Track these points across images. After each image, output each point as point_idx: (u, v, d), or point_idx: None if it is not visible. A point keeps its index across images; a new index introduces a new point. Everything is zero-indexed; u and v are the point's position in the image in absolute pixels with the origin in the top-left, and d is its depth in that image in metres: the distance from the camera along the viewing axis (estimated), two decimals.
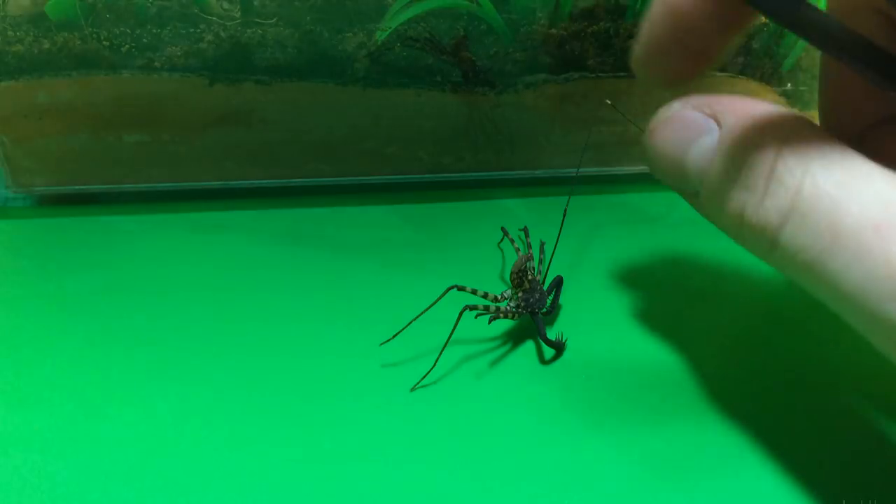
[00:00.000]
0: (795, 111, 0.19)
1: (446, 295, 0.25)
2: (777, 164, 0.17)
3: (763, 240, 0.18)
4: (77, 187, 0.34)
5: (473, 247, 0.29)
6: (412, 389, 0.24)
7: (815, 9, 0.17)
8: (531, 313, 0.25)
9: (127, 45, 0.30)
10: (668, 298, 0.28)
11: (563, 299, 0.28)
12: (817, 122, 0.21)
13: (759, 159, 0.18)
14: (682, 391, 0.24)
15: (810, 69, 0.34)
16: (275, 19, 0.30)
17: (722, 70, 0.33)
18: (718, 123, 0.19)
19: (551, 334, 0.26)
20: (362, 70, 0.32)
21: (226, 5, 0.30)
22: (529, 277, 0.25)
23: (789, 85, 0.34)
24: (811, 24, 0.17)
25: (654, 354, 0.25)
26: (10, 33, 0.30)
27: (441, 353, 0.24)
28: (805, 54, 0.34)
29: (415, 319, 0.25)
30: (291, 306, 0.28)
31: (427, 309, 0.25)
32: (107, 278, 0.29)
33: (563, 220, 0.27)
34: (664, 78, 0.22)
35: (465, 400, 0.23)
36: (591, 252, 0.31)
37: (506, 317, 0.25)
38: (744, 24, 0.21)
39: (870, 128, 0.22)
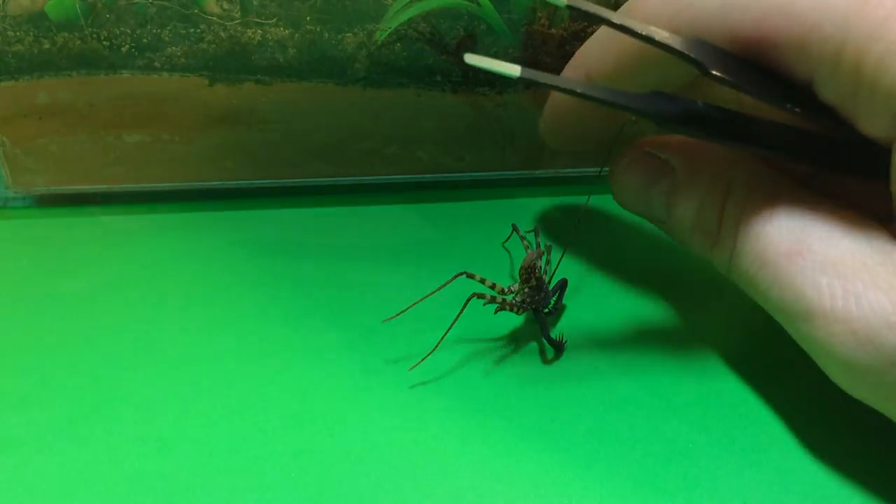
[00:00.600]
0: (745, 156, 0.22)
1: (453, 283, 0.25)
2: (723, 212, 0.21)
3: (721, 266, 0.22)
4: (77, 187, 0.34)
5: (474, 247, 0.29)
6: (410, 369, 0.25)
7: (704, 105, 0.19)
8: (535, 310, 0.25)
9: (127, 45, 0.30)
10: (672, 296, 0.28)
11: (568, 301, 0.28)
12: None
13: (709, 210, 0.21)
14: (691, 391, 0.24)
15: None
16: (275, 19, 0.30)
17: None
18: (671, 167, 0.23)
19: (554, 335, 0.26)
20: (362, 70, 0.32)
21: (226, 5, 0.30)
22: (537, 275, 0.25)
23: None
24: (701, 120, 0.19)
25: (656, 350, 0.25)
26: (10, 33, 0.30)
27: (444, 337, 0.25)
28: None
29: (420, 300, 0.25)
30: (291, 306, 0.28)
31: (434, 292, 0.25)
32: (107, 278, 0.29)
33: (577, 222, 0.28)
34: (563, 148, 0.29)
35: (468, 397, 0.23)
36: (593, 253, 0.31)
37: (511, 310, 0.25)
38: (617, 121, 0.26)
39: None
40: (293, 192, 0.35)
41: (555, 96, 0.27)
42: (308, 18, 0.30)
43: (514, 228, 0.29)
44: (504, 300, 0.26)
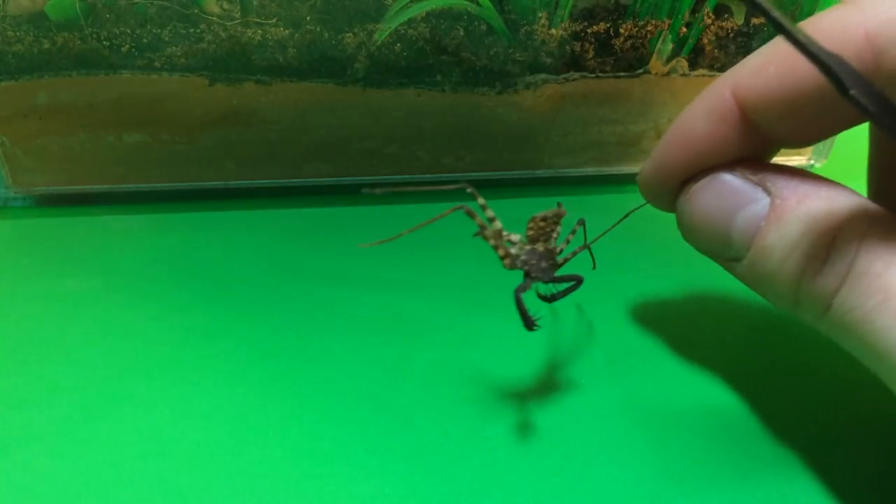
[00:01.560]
0: (839, 184, 0.19)
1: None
2: (836, 238, 0.18)
3: (818, 305, 0.18)
4: (77, 187, 0.34)
5: (474, 247, 0.29)
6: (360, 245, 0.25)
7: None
8: (526, 274, 0.22)
9: (127, 45, 0.30)
10: (674, 300, 0.28)
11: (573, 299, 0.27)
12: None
13: (819, 231, 0.18)
14: (683, 396, 0.24)
15: None
16: (275, 19, 0.30)
17: (722, 70, 0.33)
18: (767, 192, 0.19)
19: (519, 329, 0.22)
20: (362, 70, 0.32)
21: (226, 5, 0.30)
22: (549, 243, 0.23)
23: None
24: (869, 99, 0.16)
25: (652, 353, 0.25)
26: (10, 33, 0.30)
27: (413, 229, 0.22)
28: None
29: (410, 231, 0.23)
30: (292, 306, 0.28)
31: (430, 221, 0.22)
32: (107, 278, 0.29)
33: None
34: (667, 201, 0.22)
35: (468, 400, 0.23)
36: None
37: (501, 257, 0.22)
38: (763, 155, 0.21)
39: None
40: (293, 192, 0.35)
41: (682, 122, 0.21)
42: (308, 18, 0.30)
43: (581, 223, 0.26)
44: (499, 242, 0.22)
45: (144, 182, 0.34)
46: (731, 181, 0.20)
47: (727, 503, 0.20)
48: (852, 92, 0.16)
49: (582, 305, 0.28)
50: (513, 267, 0.23)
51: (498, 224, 0.22)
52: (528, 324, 0.22)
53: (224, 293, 0.29)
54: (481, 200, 0.22)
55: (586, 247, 0.24)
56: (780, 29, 0.16)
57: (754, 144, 0.20)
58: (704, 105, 0.20)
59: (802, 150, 0.36)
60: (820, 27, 0.18)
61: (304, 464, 0.21)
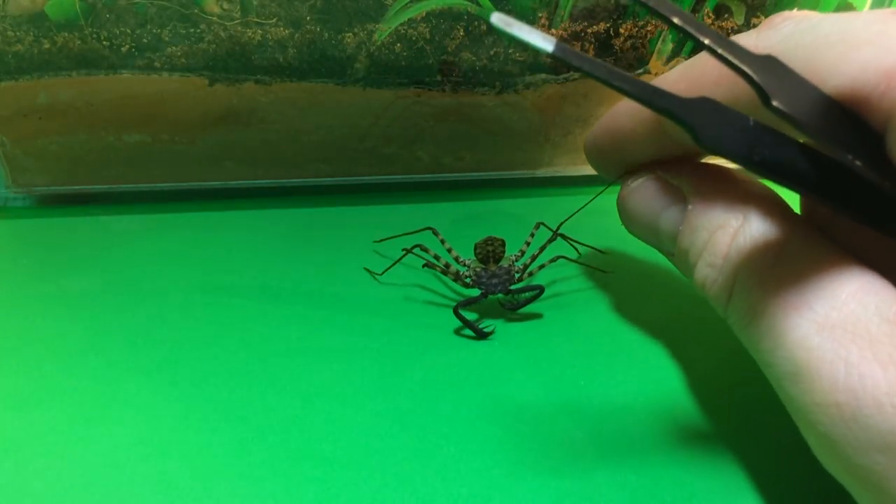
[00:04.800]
0: (751, 185, 0.21)
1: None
2: (727, 252, 0.19)
3: (719, 305, 0.20)
4: (77, 187, 0.34)
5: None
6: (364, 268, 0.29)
7: (765, 131, 0.17)
8: (483, 293, 0.27)
9: (127, 45, 0.30)
10: (666, 301, 0.28)
11: (564, 299, 0.28)
12: None
13: (717, 241, 0.20)
14: (673, 401, 0.24)
15: None
16: (275, 19, 0.30)
17: None
18: (683, 197, 0.21)
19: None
20: (362, 70, 0.32)
21: (226, 5, 0.30)
22: (504, 263, 0.27)
23: None
24: (761, 157, 0.17)
25: (642, 356, 0.25)
26: (10, 33, 0.30)
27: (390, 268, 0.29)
28: None
29: (397, 261, 0.29)
30: (292, 306, 0.28)
31: (399, 236, 0.30)
32: (107, 278, 0.29)
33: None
34: (605, 173, 0.26)
35: (468, 401, 0.24)
36: (596, 255, 0.31)
37: (454, 280, 0.28)
38: (681, 153, 0.23)
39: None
40: (293, 192, 0.35)
41: (613, 112, 0.24)
42: (308, 18, 0.30)
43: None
44: (448, 265, 0.28)
45: (144, 182, 0.34)
46: (653, 185, 0.22)
47: None
48: (774, 103, 0.16)
49: (586, 303, 0.28)
50: (466, 286, 0.28)
51: (454, 253, 0.29)
52: (478, 334, 0.26)
53: (223, 293, 0.29)
54: (441, 237, 0.29)
55: (555, 237, 0.28)
56: (692, 38, 0.16)
57: (671, 148, 0.22)
58: (631, 103, 0.22)
59: None
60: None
61: (305, 465, 0.21)
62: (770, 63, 0.16)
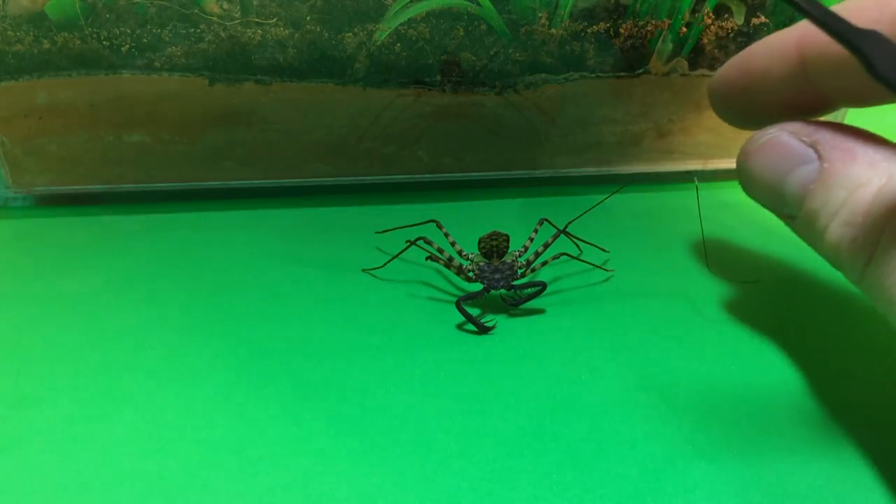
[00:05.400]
0: (892, 147, 0.19)
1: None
2: (871, 207, 0.18)
3: (854, 271, 0.19)
4: (77, 187, 0.34)
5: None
6: (363, 270, 0.29)
7: None
8: (486, 288, 0.27)
9: (127, 45, 0.30)
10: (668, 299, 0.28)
11: (566, 296, 0.28)
12: None
13: (859, 199, 0.19)
14: (679, 395, 0.24)
15: None
16: (275, 19, 0.30)
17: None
18: (818, 154, 0.20)
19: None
20: (362, 70, 0.32)
21: (226, 5, 0.30)
22: (507, 258, 0.28)
23: None
24: None
25: (639, 351, 0.25)
26: (10, 33, 0.30)
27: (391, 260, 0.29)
28: None
29: (398, 255, 0.29)
30: (292, 305, 0.28)
31: (403, 227, 0.30)
32: (107, 278, 0.29)
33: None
34: (728, 117, 0.24)
35: (468, 398, 0.24)
36: (595, 254, 0.31)
37: (457, 273, 0.28)
38: (812, 111, 0.22)
39: None
40: (293, 192, 0.35)
41: (749, 50, 0.23)
42: (308, 18, 0.30)
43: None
44: (451, 259, 0.28)
45: (144, 182, 0.34)
46: (786, 141, 0.21)
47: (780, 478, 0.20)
48: (881, 72, 0.16)
49: (588, 301, 0.28)
50: (469, 280, 0.28)
51: (457, 247, 0.29)
52: (480, 328, 0.26)
53: (224, 293, 0.29)
54: (444, 231, 0.29)
55: (560, 234, 0.28)
56: (797, 7, 0.16)
57: (807, 94, 0.21)
58: (771, 43, 0.21)
59: None
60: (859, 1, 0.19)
61: (304, 462, 0.21)
62: (874, 36, 0.16)
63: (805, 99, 0.21)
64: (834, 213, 0.19)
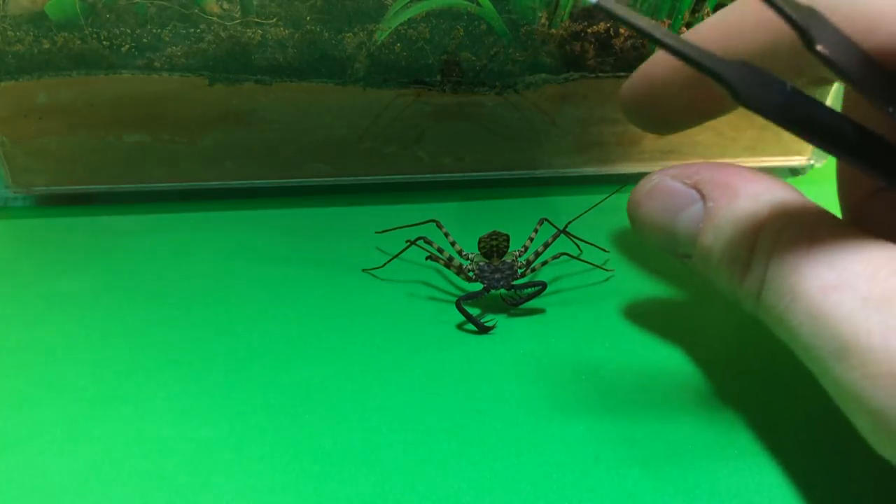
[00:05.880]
0: (771, 179, 0.20)
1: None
2: (756, 242, 0.19)
3: (748, 301, 0.20)
4: (77, 187, 0.34)
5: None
6: (363, 270, 0.29)
7: (801, 96, 0.17)
8: (486, 288, 0.27)
9: (127, 45, 0.30)
10: (668, 297, 0.28)
11: (566, 296, 0.28)
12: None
13: (743, 234, 0.19)
14: (676, 387, 0.24)
15: None
16: (275, 19, 0.30)
17: None
18: (701, 194, 0.21)
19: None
20: (362, 70, 0.32)
21: (226, 5, 0.30)
22: (507, 258, 0.28)
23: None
24: (797, 115, 0.17)
25: (648, 354, 0.25)
26: (10, 33, 0.30)
27: (391, 259, 0.29)
28: None
29: (398, 255, 0.29)
30: (292, 305, 0.28)
31: (404, 227, 0.30)
32: (107, 278, 0.29)
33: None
34: (640, 124, 0.26)
35: (468, 398, 0.24)
36: (593, 254, 0.31)
37: (457, 273, 0.28)
38: (715, 113, 0.23)
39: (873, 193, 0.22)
40: (293, 192, 0.35)
41: (651, 60, 0.24)
42: (308, 18, 0.30)
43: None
44: (451, 258, 0.28)
45: (144, 182, 0.34)
46: (669, 185, 0.22)
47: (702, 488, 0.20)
48: (818, 47, 0.16)
49: (588, 301, 0.28)
50: (469, 280, 0.28)
51: (457, 246, 0.29)
52: (480, 328, 0.26)
53: (224, 293, 0.29)
54: (444, 231, 0.29)
55: (560, 234, 0.28)
56: (650, 38, 0.16)
57: (707, 95, 0.22)
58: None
59: (803, 150, 0.36)
60: None
61: (304, 462, 0.21)
62: (812, 13, 0.16)
63: (707, 100, 0.23)
64: (723, 249, 0.20)
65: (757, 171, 0.20)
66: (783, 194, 0.19)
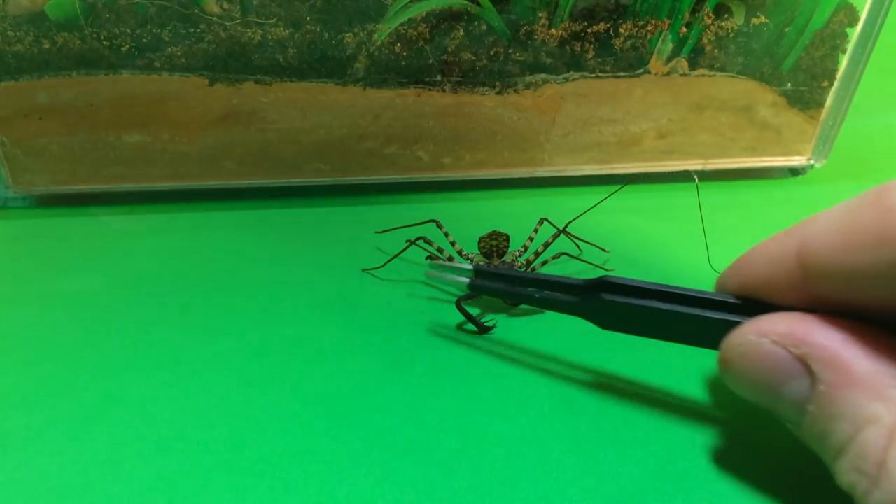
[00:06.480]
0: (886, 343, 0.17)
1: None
2: (889, 457, 0.16)
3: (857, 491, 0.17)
4: (77, 187, 0.34)
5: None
6: (363, 270, 0.29)
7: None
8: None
9: (127, 45, 0.30)
10: None
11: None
12: None
13: (869, 443, 0.16)
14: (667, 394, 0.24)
15: (810, 69, 0.34)
16: (275, 19, 0.30)
17: (721, 70, 0.33)
18: (809, 369, 0.17)
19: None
20: (362, 70, 0.32)
21: (226, 5, 0.30)
22: (505, 258, 0.28)
23: (789, 85, 0.34)
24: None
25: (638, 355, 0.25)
26: (10, 33, 0.30)
27: (392, 259, 0.29)
28: (805, 54, 0.34)
29: (399, 253, 0.29)
30: (292, 305, 0.28)
31: (404, 227, 0.31)
32: (107, 278, 0.29)
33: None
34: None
35: (467, 397, 0.24)
36: (593, 254, 0.31)
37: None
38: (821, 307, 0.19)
39: None
40: (293, 192, 0.35)
41: (748, 256, 0.21)
42: (308, 18, 0.30)
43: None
44: (451, 259, 0.28)
45: (144, 182, 0.34)
46: (770, 351, 0.18)
47: None
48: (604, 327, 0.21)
49: None
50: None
51: (457, 247, 0.29)
52: (480, 328, 0.26)
53: (223, 293, 0.29)
54: (445, 230, 0.30)
55: (560, 234, 0.29)
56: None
57: (810, 299, 0.19)
58: (770, 252, 0.19)
59: (803, 150, 0.36)
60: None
61: (303, 461, 0.21)
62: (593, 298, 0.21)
63: (807, 301, 0.19)
64: (839, 450, 0.17)
65: (880, 335, 0.17)
66: None
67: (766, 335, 0.18)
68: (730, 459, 0.21)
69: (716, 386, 0.24)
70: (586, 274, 0.30)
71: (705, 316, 0.20)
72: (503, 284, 0.23)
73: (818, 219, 0.18)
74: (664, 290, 0.20)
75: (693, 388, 0.24)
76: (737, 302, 0.20)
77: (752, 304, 0.19)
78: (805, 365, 0.17)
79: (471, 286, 0.24)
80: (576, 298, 0.22)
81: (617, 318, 0.21)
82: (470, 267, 0.24)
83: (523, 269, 0.28)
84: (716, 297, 0.20)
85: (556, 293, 0.22)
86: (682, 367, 0.25)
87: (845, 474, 0.17)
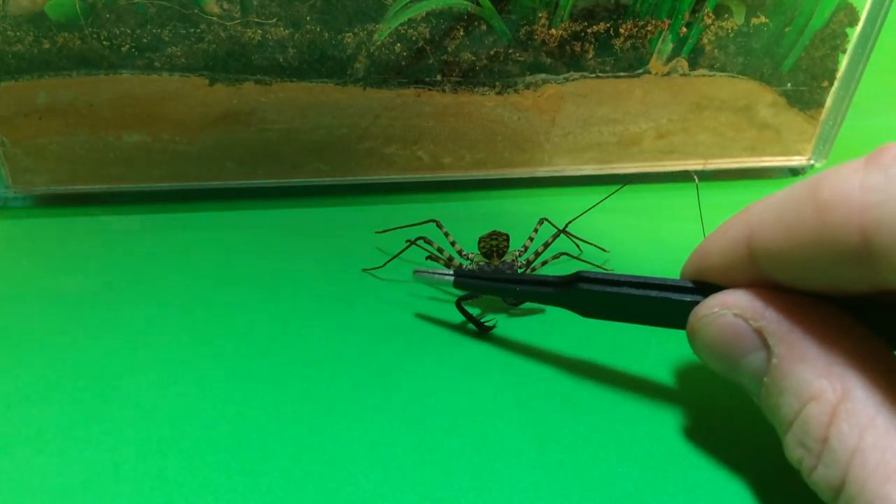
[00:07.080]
0: (851, 326, 0.17)
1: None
2: (830, 433, 0.16)
3: (825, 496, 0.17)
4: (77, 187, 0.34)
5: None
6: (363, 270, 0.29)
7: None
8: None
9: (127, 45, 0.30)
10: None
11: None
12: None
13: (812, 418, 0.16)
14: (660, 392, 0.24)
15: (810, 69, 0.34)
16: (275, 19, 0.30)
17: (722, 70, 0.33)
18: (766, 343, 0.18)
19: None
20: (362, 70, 0.32)
21: (226, 5, 0.30)
22: (505, 258, 0.28)
23: (789, 85, 0.34)
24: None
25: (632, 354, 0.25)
26: (10, 33, 0.30)
27: (392, 259, 0.30)
28: (805, 54, 0.34)
29: (399, 254, 0.30)
30: (291, 304, 0.28)
31: (404, 227, 0.31)
32: (107, 278, 0.29)
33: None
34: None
35: (466, 399, 0.24)
36: (593, 254, 0.31)
37: (449, 268, 0.28)
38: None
39: None
40: (293, 192, 0.35)
41: (702, 249, 0.21)
42: (308, 18, 0.30)
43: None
44: (451, 258, 0.29)
45: (144, 182, 0.34)
46: (731, 323, 0.19)
47: None
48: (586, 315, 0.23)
49: None
50: None
51: (457, 246, 0.29)
52: (480, 328, 0.26)
53: (224, 293, 0.29)
54: (445, 230, 0.30)
55: (560, 234, 0.29)
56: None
57: (764, 281, 0.19)
58: (722, 241, 0.20)
59: (802, 150, 0.36)
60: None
61: (304, 461, 0.21)
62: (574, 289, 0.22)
63: (762, 283, 0.19)
64: (789, 422, 0.17)
65: (837, 315, 0.18)
66: (862, 363, 0.16)
67: (728, 307, 0.19)
68: (730, 459, 0.21)
69: (717, 386, 0.24)
70: None
71: (673, 298, 0.21)
72: (487, 282, 0.24)
73: (762, 207, 0.18)
74: (634, 279, 0.22)
75: (695, 389, 0.24)
76: (701, 285, 0.21)
77: (715, 287, 0.20)
78: (762, 338, 0.18)
79: (457, 285, 0.25)
80: (556, 290, 0.23)
81: (595, 306, 0.22)
82: (451, 273, 0.25)
83: (523, 270, 0.28)
84: (681, 283, 0.21)
85: (536, 287, 0.23)
86: (682, 368, 0.25)
87: (792, 449, 0.17)
